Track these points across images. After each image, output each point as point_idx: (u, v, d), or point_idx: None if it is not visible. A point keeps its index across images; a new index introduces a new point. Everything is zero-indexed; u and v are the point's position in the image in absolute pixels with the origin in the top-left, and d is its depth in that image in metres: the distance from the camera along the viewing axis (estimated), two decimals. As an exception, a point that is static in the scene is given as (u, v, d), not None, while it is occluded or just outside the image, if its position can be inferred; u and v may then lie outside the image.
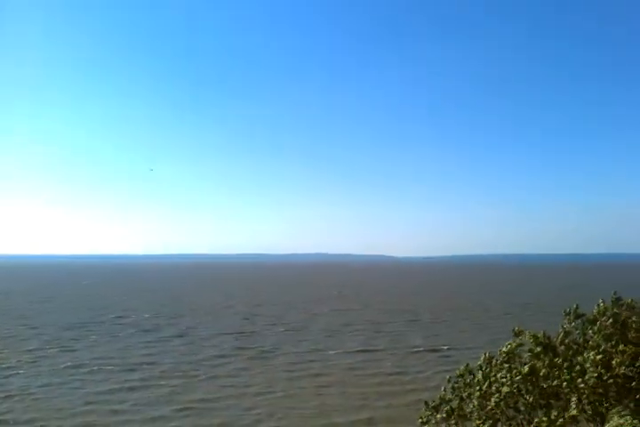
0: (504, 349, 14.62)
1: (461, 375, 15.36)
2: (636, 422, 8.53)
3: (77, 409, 30.37)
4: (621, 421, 8.51)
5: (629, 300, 14.30)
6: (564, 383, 12.62)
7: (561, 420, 12.20)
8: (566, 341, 13.95)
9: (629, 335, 13.36)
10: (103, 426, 27.78)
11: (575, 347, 13.65)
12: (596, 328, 13.57)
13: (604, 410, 12.45)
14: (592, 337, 13.46)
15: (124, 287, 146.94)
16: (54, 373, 39.38)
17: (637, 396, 12.91)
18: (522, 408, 13.45)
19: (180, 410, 30.30)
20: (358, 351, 48.84)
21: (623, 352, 12.66)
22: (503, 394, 13.30)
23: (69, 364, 42.42)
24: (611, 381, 12.50)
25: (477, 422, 13.79)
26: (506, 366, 13.96)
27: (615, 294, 14.38)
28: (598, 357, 12.38)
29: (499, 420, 13.52)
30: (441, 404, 14.98)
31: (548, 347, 13.80)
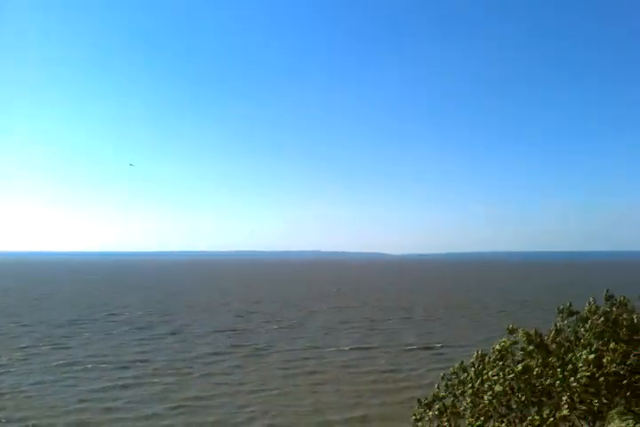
0: (497, 346, 14.61)
1: (455, 373, 15.35)
2: (639, 426, 8.45)
3: (70, 407, 30.23)
4: (623, 424, 8.44)
5: (622, 297, 14.28)
6: (557, 382, 12.60)
7: (552, 419, 12.20)
8: (558, 339, 13.93)
9: (621, 333, 13.35)
10: (96, 424, 27.65)
11: (567, 345, 13.64)
12: (587, 326, 13.55)
13: (595, 408, 12.44)
14: (584, 335, 13.45)
15: (120, 284, 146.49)
16: (47, 370, 39.19)
17: (628, 393, 12.91)
18: (514, 406, 13.44)
19: (174, 408, 30.21)
20: (353, 349, 48.87)
21: (614, 350, 12.65)
22: (495, 392, 13.28)
23: (62, 361, 42.23)
24: (602, 379, 12.50)
25: (470, 419, 13.78)
26: (499, 363, 13.94)
27: (607, 291, 14.37)
28: (591, 356, 12.36)
29: (491, 417, 13.51)
30: (434, 401, 14.98)
31: (540, 345, 13.78)
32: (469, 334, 57.00)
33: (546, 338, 14.10)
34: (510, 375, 13.30)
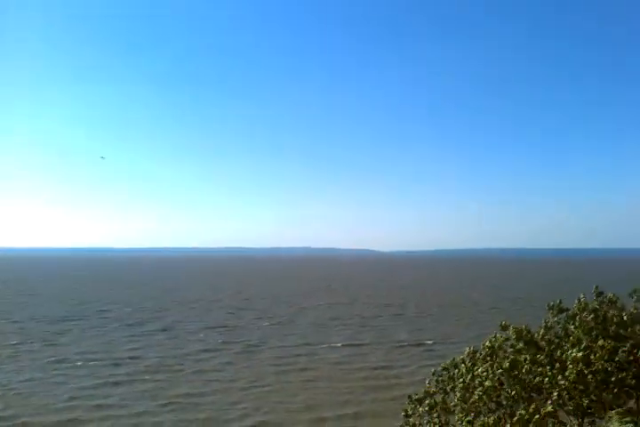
0: (487, 343, 14.75)
1: (446, 369, 15.49)
2: None
3: (61, 405, 30.09)
4: None
5: (611, 294, 14.42)
6: (546, 379, 12.75)
7: (537, 416, 12.34)
8: (547, 337, 14.07)
9: (610, 330, 13.50)
10: (87, 421, 27.55)
11: (557, 341, 13.78)
12: (577, 323, 13.69)
13: (584, 405, 12.59)
14: (573, 332, 13.59)
15: (110, 281, 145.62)
16: (37, 368, 38.93)
17: (616, 390, 13.09)
18: (504, 402, 13.59)
19: (165, 405, 30.16)
20: (345, 346, 49.03)
21: (602, 347, 12.80)
22: (485, 387, 13.42)
23: (53, 358, 41.98)
24: (591, 376, 12.65)
25: (460, 415, 13.90)
26: (488, 359, 14.08)
27: (597, 288, 14.51)
28: (579, 354, 12.50)
29: (480, 413, 13.64)
30: (424, 397, 15.11)
31: (530, 342, 13.91)
32: (461, 330, 57.39)
33: (536, 335, 14.24)
34: (499, 370, 13.45)
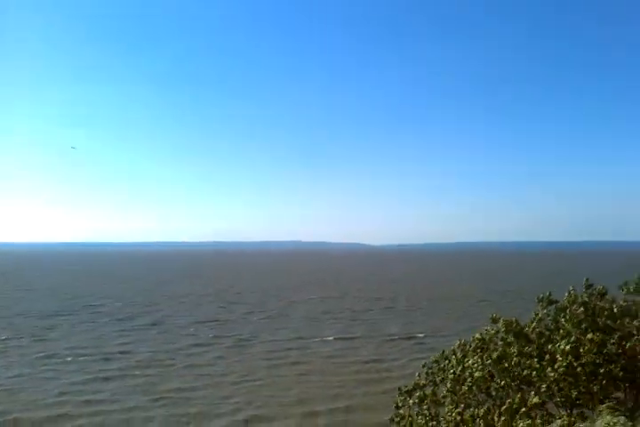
0: (477, 335, 14.83)
1: (436, 361, 15.57)
2: (629, 424, 8.59)
3: (51, 400, 29.91)
4: (615, 420, 8.56)
5: (601, 287, 14.50)
6: (534, 372, 12.84)
7: (524, 408, 12.42)
8: (537, 329, 14.15)
9: (600, 322, 13.59)
10: (78, 417, 27.41)
11: (547, 334, 13.86)
12: (567, 316, 13.77)
13: (573, 397, 12.69)
14: (563, 325, 13.67)
15: (100, 275, 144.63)
16: (26, 363, 38.64)
17: (604, 382, 13.20)
18: (493, 393, 13.68)
19: (156, 400, 30.09)
20: (336, 339, 49.20)
21: (591, 341, 12.89)
22: (475, 378, 13.49)
23: (42, 354, 41.68)
24: (580, 369, 12.74)
25: (450, 406, 13.98)
26: (479, 352, 14.15)
27: (587, 280, 14.58)
28: (567, 347, 12.58)
29: (470, 405, 13.71)
30: (415, 389, 15.19)
31: (520, 334, 13.99)
32: (451, 323, 57.81)
33: (526, 328, 14.31)
34: (488, 361, 13.53)
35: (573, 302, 13.99)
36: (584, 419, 11.56)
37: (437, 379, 15.04)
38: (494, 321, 14.72)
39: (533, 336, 14.11)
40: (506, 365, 13.45)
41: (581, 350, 12.99)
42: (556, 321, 14.13)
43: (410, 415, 14.97)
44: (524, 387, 13.25)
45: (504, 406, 12.97)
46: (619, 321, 13.71)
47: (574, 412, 12.89)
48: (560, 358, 12.61)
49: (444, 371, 14.90)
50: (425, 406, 14.73)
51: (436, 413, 14.42)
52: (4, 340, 47.49)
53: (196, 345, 46.01)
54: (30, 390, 31.68)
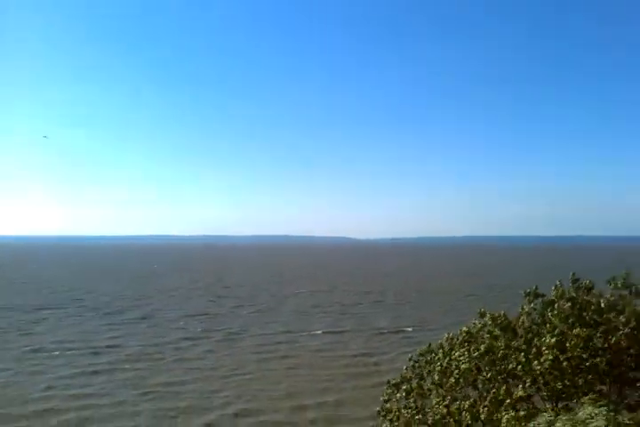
0: (464, 328, 14.92)
1: (422, 354, 15.66)
2: (610, 414, 8.69)
3: (38, 395, 29.68)
4: (596, 411, 8.66)
5: (587, 281, 14.61)
6: (519, 366, 12.95)
7: (509, 401, 12.53)
8: (526, 324, 14.25)
9: (587, 317, 13.71)
10: (66, 411, 27.24)
11: (535, 328, 13.97)
12: (555, 311, 13.88)
13: (559, 390, 12.83)
14: (550, 319, 13.79)
15: (90, 268, 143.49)
16: (12, 357, 38.30)
17: (590, 376, 13.34)
18: (480, 386, 13.79)
19: (145, 394, 29.99)
20: (325, 333, 49.35)
21: (578, 336, 13.01)
22: (462, 371, 13.59)
23: (29, 348, 41.35)
24: (566, 363, 12.86)
25: (436, 399, 14.08)
26: (466, 345, 14.25)
27: (574, 275, 14.69)
28: (553, 340, 12.70)
29: (457, 399, 13.81)
30: (402, 382, 15.28)
31: (507, 328, 14.10)
32: (439, 317, 58.22)
33: (514, 322, 14.41)
34: (475, 353, 13.64)
35: (561, 297, 14.10)
36: (569, 412, 11.69)
37: (424, 372, 15.14)
38: (482, 315, 14.81)
39: (521, 330, 14.23)
40: (492, 358, 13.57)
41: (568, 345, 13.11)
42: (543, 315, 14.24)
43: (398, 409, 15.06)
44: (511, 380, 13.39)
45: (488, 397, 13.10)
46: (605, 316, 13.84)
47: (559, 405, 13.04)
48: (546, 352, 12.72)
49: (431, 364, 15.00)
50: (412, 400, 14.83)
51: (422, 405, 14.53)
52: (-10, 334, 46.99)
53: (186, 339, 45.90)
54: (17, 385, 31.42)
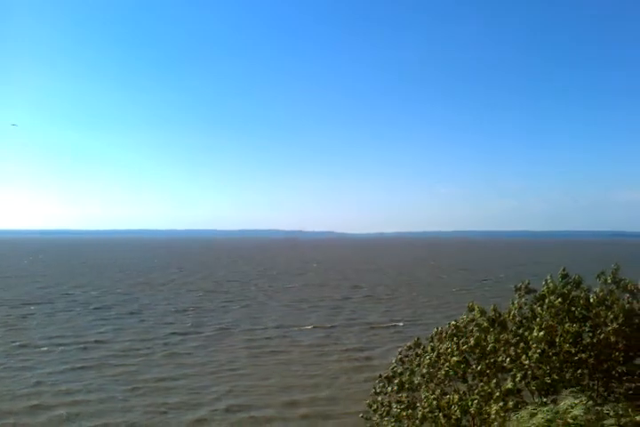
0: (452, 322, 14.98)
1: (410, 348, 15.71)
2: (590, 403, 8.84)
3: (26, 391, 29.44)
4: (576, 401, 8.81)
5: (576, 276, 14.72)
6: (508, 359, 13.02)
7: (498, 393, 12.59)
8: (517, 318, 14.31)
9: (576, 312, 13.81)
10: (54, 407, 27.06)
11: (525, 322, 14.06)
12: (545, 306, 13.96)
13: (547, 383, 12.93)
14: (540, 314, 13.87)
15: (79, 263, 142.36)
16: (1, 353, 37.93)
17: (579, 371, 13.43)
18: (469, 379, 13.86)
19: (135, 389, 29.86)
20: (316, 328, 49.40)
21: (567, 332, 13.08)
22: (452, 364, 13.64)
23: (17, 343, 40.96)
24: (555, 358, 12.95)
25: (426, 393, 14.13)
26: (454, 339, 14.31)
27: (564, 270, 14.79)
28: (541, 333, 12.78)
29: (446, 393, 13.87)
30: (393, 376, 15.32)
31: (496, 322, 14.16)
32: (430, 312, 58.54)
33: (504, 317, 14.47)
34: (464, 346, 13.69)
35: (552, 292, 14.18)
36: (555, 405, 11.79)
37: (413, 365, 15.19)
38: (470, 309, 14.87)
39: (511, 324, 14.30)
40: (482, 351, 13.63)
41: (557, 340, 13.18)
42: (533, 310, 14.32)
43: (389, 403, 15.09)
44: (500, 374, 13.46)
45: (477, 390, 13.16)
46: (594, 311, 13.93)
47: (548, 399, 13.14)
48: (534, 345, 12.79)
49: (420, 357, 15.05)
50: (404, 394, 14.87)
51: (412, 399, 14.58)
52: (-23, 330, 46.51)
53: (175, 334, 45.73)
54: (5, 381, 31.14)
